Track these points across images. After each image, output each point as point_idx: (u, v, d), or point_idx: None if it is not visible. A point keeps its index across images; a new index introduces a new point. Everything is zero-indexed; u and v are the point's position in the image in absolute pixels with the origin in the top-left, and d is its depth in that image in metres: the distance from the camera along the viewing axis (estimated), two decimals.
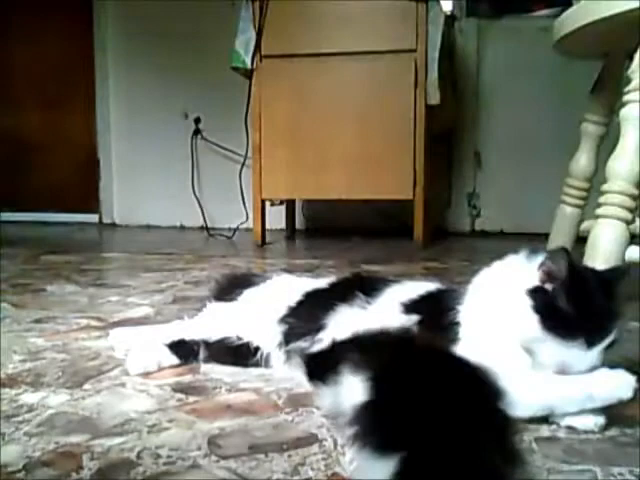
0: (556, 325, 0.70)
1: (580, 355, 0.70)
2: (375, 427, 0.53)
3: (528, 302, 0.72)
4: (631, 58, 1.24)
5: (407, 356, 0.59)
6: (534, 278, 0.73)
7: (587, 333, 0.70)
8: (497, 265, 0.80)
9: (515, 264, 0.78)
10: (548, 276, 0.72)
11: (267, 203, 2.77)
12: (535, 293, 0.72)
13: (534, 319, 0.71)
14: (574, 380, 0.70)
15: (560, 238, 1.62)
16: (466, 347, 0.75)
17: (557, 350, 0.71)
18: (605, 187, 1.22)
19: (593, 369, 0.71)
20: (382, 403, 0.54)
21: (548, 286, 0.72)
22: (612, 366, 0.71)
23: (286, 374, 0.87)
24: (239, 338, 0.93)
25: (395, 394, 0.54)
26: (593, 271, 0.81)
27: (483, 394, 0.55)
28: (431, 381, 0.54)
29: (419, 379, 0.55)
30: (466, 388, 0.55)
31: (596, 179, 1.55)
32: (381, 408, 0.54)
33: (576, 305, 0.70)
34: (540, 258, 0.74)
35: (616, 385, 0.68)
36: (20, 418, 0.74)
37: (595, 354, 0.71)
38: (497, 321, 0.75)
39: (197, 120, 3.54)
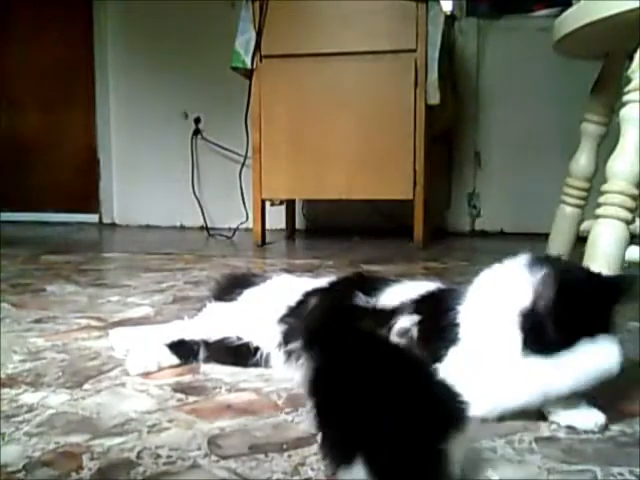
0: (538, 348, 0.69)
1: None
2: (329, 437, 0.55)
3: (517, 320, 0.70)
4: (631, 58, 1.23)
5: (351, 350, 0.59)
6: (527, 292, 0.71)
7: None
8: (497, 268, 0.78)
9: (515, 272, 0.75)
10: (540, 297, 0.70)
11: (267, 203, 2.77)
12: (526, 312, 0.70)
13: (517, 337, 0.70)
14: (561, 363, 0.69)
15: (560, 238, 1.62)
16: (466, 348, 0.75)
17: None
18: (605, 187, 1.22)
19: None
20: (328, 408, 0.56)
21: (540, 306, 0.70)
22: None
23: (286, 374, 0.87)
24: (239, 338, 0.94)
25: (339, 392, 0.55)
26: (595, 279, 0.76)
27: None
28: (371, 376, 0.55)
29: (362, 372, 0.56)
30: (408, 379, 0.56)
31: (596, 179, 1.55)
32: (329, 414, 0.55)
33: (561, 332, 0.69)
34: (540, 273, 0.71)
35: (602, 360, 0.68)
36: (20, 418, 0.74)
37: None
38: (493, 330, 0.74)
39: (197, 120, 3.54)
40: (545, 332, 0.70)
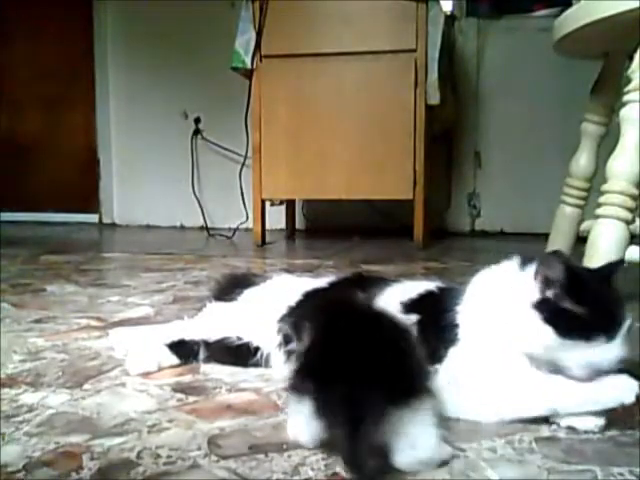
0: (572, 329, 0.68)
1: (605, 350, 0.68)
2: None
3: (537, 316, 0.70)
4: (631, 58, 1.24)
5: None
6: (530, 287, 0.72)
7: (605, 327, 0.68)
8: (493, 270, 0.79)
9: (509, 272, 0.76)
10: (546, 283, 0.71)
11: (267, 203, 2.77)
12: (540, 304, 0.70)
13: (548, 331, 0.69)
14: (576, 385, 0.70)
15: (560, 238, 1.62)
16: (465, 348, 0.75)
17: (582, 353, 0.69)
18: (605, 187, 1.22)
19: (619, 360, 0.69)
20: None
21: (549, 293, 0.70)
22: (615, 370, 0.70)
23: (286, 374, 0.87)
24: (239, 338, 0.94)
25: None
26: (587, 270, 0.82)
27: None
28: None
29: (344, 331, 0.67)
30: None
31: (596, 179, 1.55)
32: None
33: (584, 303, 0.69)
34: (533, 266, 0.73)
35: (619, 389, 0.68)
36: (20, 418, 0.74)
37: (618, 344, 0.69)
38: (498, 331, 0.73)
39: (197, 120, 3.54)
40: (569, 311, 0.69)
